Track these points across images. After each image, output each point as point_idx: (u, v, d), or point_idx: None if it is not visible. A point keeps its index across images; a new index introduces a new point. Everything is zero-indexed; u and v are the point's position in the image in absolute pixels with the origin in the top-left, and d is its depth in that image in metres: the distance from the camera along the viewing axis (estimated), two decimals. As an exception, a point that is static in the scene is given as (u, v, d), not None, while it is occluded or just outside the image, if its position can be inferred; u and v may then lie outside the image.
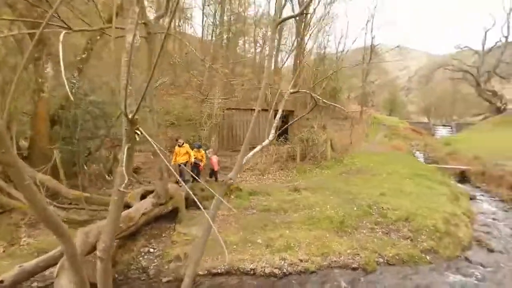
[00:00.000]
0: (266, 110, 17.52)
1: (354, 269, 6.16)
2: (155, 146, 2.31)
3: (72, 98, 9.63)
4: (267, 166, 11.93)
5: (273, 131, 4.70)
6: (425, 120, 46.03)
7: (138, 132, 2.31)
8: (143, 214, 6.71)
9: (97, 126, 10.23)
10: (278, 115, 4.73)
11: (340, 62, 30.16)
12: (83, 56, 10.08)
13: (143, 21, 6.08)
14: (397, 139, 23.69)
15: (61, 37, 2.57)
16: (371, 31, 33.12)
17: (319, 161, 12.45)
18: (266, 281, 5.81)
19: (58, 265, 4.32)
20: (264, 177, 11.37)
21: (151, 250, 6.62)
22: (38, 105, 8.81)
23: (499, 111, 31.85)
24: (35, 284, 5.64)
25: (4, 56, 8.05)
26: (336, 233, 7.31)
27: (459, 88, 45.59)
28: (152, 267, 6.16)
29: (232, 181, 3.83)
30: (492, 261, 6.56)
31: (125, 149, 2.30)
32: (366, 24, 29.78)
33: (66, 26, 3.74)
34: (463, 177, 14.20)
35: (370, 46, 30.33)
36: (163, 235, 7.21)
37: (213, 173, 10.45)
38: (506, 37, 32.78)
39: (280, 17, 4.80)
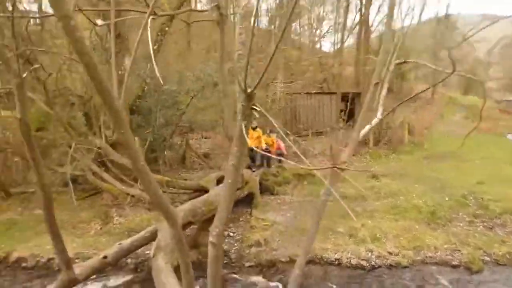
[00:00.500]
0: (331, 93, 16.82)
1: (454, 266, 5.45)
2: (274, 123, 2.07)
3: (145, 89, 10.34)
4: (335, 152, 11.31)
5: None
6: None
7: (256, 108, 2.07)
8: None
9: (169, 114, 10.65)
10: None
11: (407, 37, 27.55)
12: (155, 47, 10.46)
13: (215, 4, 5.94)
14: (486, 120, 20.88)
15: (148, 22, 2.42)
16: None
17: (395, 146, 11.44)
18: (353, 273, 5.45)
19: (154, 246, 4.46)
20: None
21: (231, 234, 6.67)
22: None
23: None
24: (129, 260, 6.03)
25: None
26: (428, 225, 6.59)
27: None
28: (233, 250, 6.19)
29: (346, 163, 3.45)
30: None
31: (241, 126, 2.09)
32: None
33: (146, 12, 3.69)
34: None
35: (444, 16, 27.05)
36: (241, 220, 7.24)
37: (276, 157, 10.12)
38: None
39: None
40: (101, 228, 7.20)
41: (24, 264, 6.15)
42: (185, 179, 9.09)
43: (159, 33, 10.44)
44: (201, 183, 7.68)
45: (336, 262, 5.68)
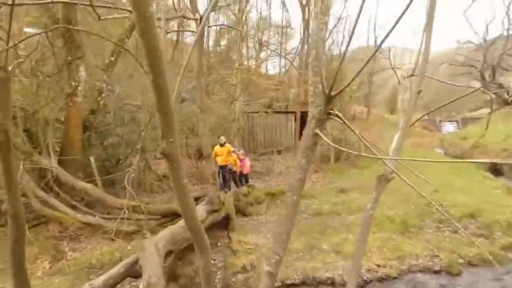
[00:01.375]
0: (287, 112, 17.22)
1: (436, 272, 5.68)
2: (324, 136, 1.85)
3: (102, 103, 9.33)
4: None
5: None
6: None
7: (334, 113, 1.84)
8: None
9: (126, 132, 9.75)
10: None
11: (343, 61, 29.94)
12: (112, 58, 9.59)
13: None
14: (412, 136, 23.28)
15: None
16: (374, 31, 32.75)
17: (355, 161, 11.99)
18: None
19: (143, 284, 3.78)
20: (301, 179, 10.86)
21: (212, 261, 6.09)
22: (70, 111, 8.28)
23: (506, 103, 31.67)
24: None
25: (38, 61, 7.52)
26: (402, 234, 6.85)
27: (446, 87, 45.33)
28: (217, 280, 5.64)
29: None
30: None
31: (312, 131, 1.82)
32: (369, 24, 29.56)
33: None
34: (495, 170, 13.80)
35: (374, 46, 30.19)
36: (219, 245, 6.70)
37: (242, 177, 9.77)
38: (508, 29, 32.69)
39: None
40: (50, 267, 6.02)
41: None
42: (148, 203, 8.22)
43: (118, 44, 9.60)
44: (172, 207, 6.98)
45: (329, 281, 5.50)
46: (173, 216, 7.10)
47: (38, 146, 7.52)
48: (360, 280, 5.45)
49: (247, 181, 9.64)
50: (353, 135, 12.51)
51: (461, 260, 5.93)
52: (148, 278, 3.75)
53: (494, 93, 34.00)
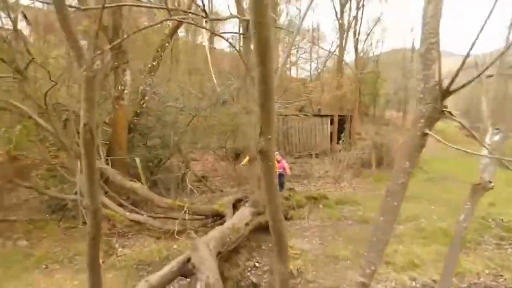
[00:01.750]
0: (322, 116, 16.94)
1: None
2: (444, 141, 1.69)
3: (145, 105, 9.63)
4: (341, 174, 11.13)
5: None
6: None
7: (448, 110, 1.69)
8: (246, 224, 6.15)
9: (167, 133, 9.97)
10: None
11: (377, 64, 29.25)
12: (154, 63, 9.91)
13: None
14: (459, 143, 22.02)
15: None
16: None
17: (397, 168, 11.48)
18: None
19: (200, 285, 3.75)
20: (341, 185, 10.58)
21: (257, 264, 6.02)
22: (117, 113, 8.61)
23: None
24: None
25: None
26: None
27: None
28: (263, 284, 5.54)
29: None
30: None
31: (420, 130, 1.68)
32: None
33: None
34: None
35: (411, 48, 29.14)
36: (263, 247, 6.61)
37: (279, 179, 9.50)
38: None
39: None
40: (103, 262, 6.21)
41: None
42: (191, 203, 8.31)
43: (159, 49, 9.91)
44: (215, 208, 7.01)
45: (382, 293, 5.23)
46: (215, 217, 7.12)
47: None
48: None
49: (282, 185, 9.40)
50: (392, 141, 12.03)
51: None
52: (206, 278, 3.71)
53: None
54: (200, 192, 10.23)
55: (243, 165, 9.16)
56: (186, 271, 4.73)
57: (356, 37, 23.16)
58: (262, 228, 6.98)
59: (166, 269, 4.58)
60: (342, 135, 14.25)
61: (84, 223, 7.60)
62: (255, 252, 6.39)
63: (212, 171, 12.88)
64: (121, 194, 7.83)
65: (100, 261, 6.25)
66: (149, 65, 9.90)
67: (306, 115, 14.66)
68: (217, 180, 11.64)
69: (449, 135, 27.59)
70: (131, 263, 6.07)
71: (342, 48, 21.79)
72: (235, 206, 7.30)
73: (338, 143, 15.01)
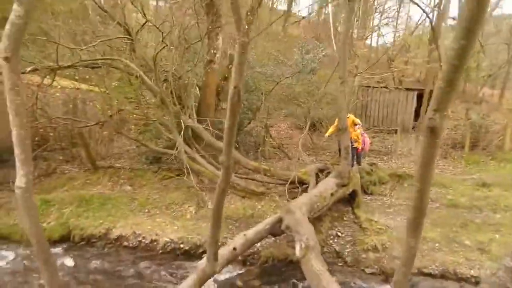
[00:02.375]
0: (408, 89, 15.58)
1: None
2: None
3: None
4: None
5: None
6: None
7: None
8: (331, 194, 6.23)
9: (251, 99, 10.22)
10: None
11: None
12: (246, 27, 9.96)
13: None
14: None
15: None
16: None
17: (495, 153, 10.26)
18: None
19: (300, 245, 3.98)
20: (426, 165, 9.88)
21: (339, 234, 6.14)
22: (208, 77, 9.05)
23: None
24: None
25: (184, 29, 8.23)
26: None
27: None
28: (346, 253, 5.66)
29: None
30: None
31: None
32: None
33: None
34: None
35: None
36: (345, 219, 6.68)
37: (357, 154, 8.87)
38: None
39: None
40: (195, 212, 6.95)
41: (125, 243, 6.01)
42: (277, 168, 8.60)
43: (249, 13, 9.90)
44: (299, 175, 7.18)
45: (474, 280, 4.96)
46: (297, 184, 7.30)
47: (182, 108, 8.45)
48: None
49: (359, 160, 9.01)
50: (495, 121, 10.66)
51: None
52: (306, 240, 3.93)
53: None
54: (277, 158, 10.53)
55: (328, 136, 9.03)
56: (277, 230, 5.07)
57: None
58: (345, 200, 7.05)
59: (260, 226, 4.97)
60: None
61: (178, 175, 8.51)
62: (336, 223, 6.50)
63: (287, 139, 13.03)
64: (209, 153, 8.42)
65: (193, 211, 7.03)
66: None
67: (386, 87, 13.61)
68: (294, 148, 11.78)
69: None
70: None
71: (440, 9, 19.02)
72: (317, 175, 7.37)
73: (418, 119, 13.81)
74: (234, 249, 4.38)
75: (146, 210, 7.04)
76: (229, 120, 2.62)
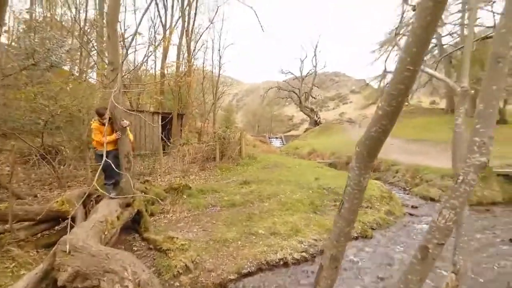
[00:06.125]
0: (155, 113, 15.52)
1: (356, 238, 6.32)
2: None
3: None
4: (187, 167, 10.43)
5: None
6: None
7: None
8: (117, 218, 4.50)
9: None
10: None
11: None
12: None
13: None
14: (259, 146, 26.02)
15: None
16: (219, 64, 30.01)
17: (237, 159, 12.02)
18: (301, 267, 5.09)
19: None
20: (191, 178, 9.88)
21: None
22: None
23: (316, 123, 40.72)
24: None
25: None
26: (314, 213, 7.30)
27: (267, 110, 56.59)
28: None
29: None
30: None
31: None
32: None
33: None
34: (331, 167, 17.24)
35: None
36: (135, 249, 5.06)
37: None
38: (315, 67, 42.68)
39: None
40: None
41: None
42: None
43: None
44: (54, 207, 4.76)
45: (282, 262, 5.10)
46: (51, 222, 4.83)
47: None
48: (308, 255, 5.36)
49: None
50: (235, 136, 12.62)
51: (366, 227, 6.85)
52: (133, 277, 2.27)
53: (307, 115, 43.29)
54: (-2, 200, 6.80)
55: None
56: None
57: None
58: (124, 227, 5.39)
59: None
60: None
61: None
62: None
63: (7, 176, 8.96)
64: None
65: None
66: None
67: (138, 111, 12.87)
68: (26, 186, 8.18)
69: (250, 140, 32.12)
70: None
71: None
72: (84, 203, 5.24)
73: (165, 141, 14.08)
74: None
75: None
76: None
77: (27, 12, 11.17)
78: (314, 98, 46.60)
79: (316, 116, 41.73)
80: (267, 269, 4.91)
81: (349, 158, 17.24)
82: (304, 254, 5.36)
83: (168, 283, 4.28)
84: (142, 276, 2.26)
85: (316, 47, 58.48)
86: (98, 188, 4.71)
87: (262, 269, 4.88)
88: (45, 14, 15.06)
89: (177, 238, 5.07)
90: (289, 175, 10.54)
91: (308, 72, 43.55)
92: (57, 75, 8.49)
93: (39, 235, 4.84)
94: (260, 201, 7.73)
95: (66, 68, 11.59)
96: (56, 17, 15.98)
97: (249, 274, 4.72)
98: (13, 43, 10.40)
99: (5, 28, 8.78)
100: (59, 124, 8.65)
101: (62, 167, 8.66)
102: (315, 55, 43.52)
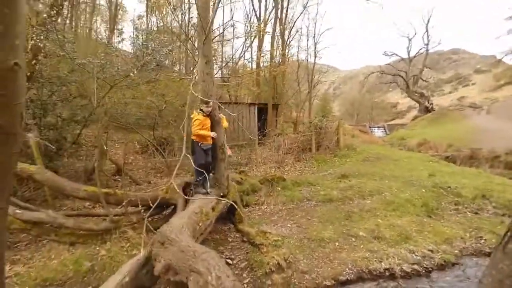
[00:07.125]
0: (251, 104, 15.98)
1: (487, 255, 5.03)
2: None
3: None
4: (282, 158, 10.31)
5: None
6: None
7: None
8: (212, 209, 4.57)
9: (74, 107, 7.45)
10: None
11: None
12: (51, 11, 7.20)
13: None
14: (357, 137, 24.23)
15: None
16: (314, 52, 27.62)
17: (334, 150, 11.34)
18: (413, 282, 4.28)
19: None
20: (286, 169, 9.73)
21: (230, 261, 4.50)
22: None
23: (427, 110, 35.64)
24: None
25: None
26: (429, 217, 6.16)
27: (367, 97, 51.76)
28: (246, 285, 4.08)
29: None
30: None
31: None
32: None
33: None
34: (448, 161, 14.71)
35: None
36: (230, 240, 5.15)
37: None
38: (427, 45, 37.21)
39: None
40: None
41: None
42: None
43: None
44: (160, 194, 5.14)
45: (387, 273, 4.39)
46: (160, 207, 5.25)
47: None
48: (421, 269, 4.49)
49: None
50: (332, 125, 11.89)
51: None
52: (216, 281, 2.10)
53: (417, 101, 38.30)
54: (119, 187, 7.89)
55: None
56: (145, 281, 2.97)
57: None
58: (221, 217, 5.48)
59: (112, 283, 2.74)
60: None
61: None
62: (222, 246, 4.87)
63: (128, 164, 10.40)
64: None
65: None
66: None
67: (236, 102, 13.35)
68: (140, 173, 9.37)
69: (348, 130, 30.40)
70: (31, 284, 3.76)
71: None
72: (185, 191, 5.56)
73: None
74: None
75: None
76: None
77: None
78: (426, 81, 40.82)
79: (428, 102, 36.49)
80: (370, 279, 4.29)
81: (474, 151, 14.42)
82: (416, 267, 4.50)
83: (260, 280, 4.12)
84: (226, 283, 2.05)
85: (428, 21, 50.68)
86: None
87: (364, 279, 4.28)
88: (158, 22, 17.00)
89: (270, 233, 4.90)
90: (395, 170, 9.32)
91: (418, 52, 38.29)
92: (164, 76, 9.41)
93: (149, 219, 5.31)
94: (361, 198, 6.97)
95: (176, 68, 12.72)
96: (167, 24, 17.92)
97: (348, 282, 4.19)
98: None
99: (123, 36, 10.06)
100: (168, 118, 9.59)
101: (172, 157, 9.60)
102: (426, 31, 37.68)
